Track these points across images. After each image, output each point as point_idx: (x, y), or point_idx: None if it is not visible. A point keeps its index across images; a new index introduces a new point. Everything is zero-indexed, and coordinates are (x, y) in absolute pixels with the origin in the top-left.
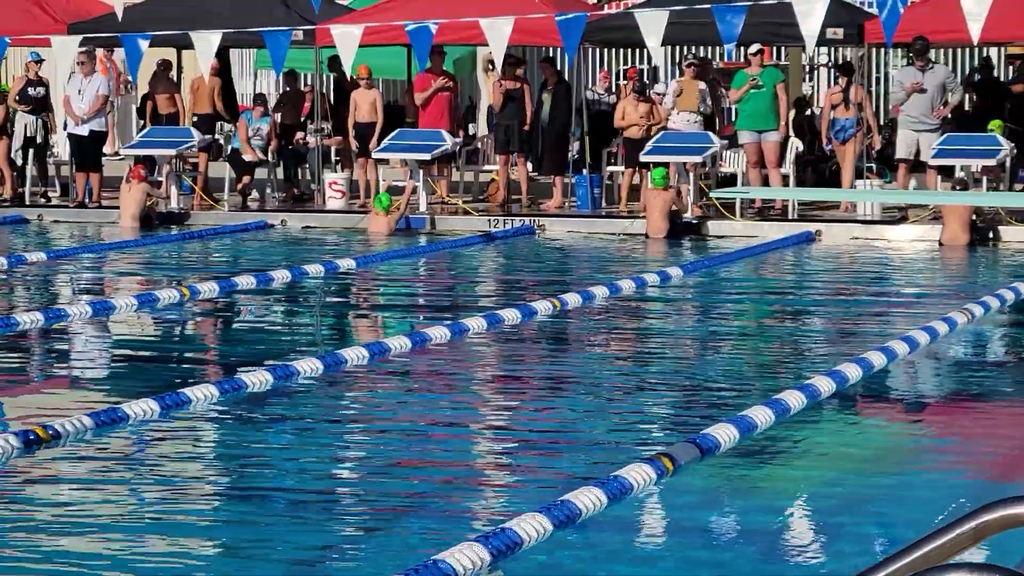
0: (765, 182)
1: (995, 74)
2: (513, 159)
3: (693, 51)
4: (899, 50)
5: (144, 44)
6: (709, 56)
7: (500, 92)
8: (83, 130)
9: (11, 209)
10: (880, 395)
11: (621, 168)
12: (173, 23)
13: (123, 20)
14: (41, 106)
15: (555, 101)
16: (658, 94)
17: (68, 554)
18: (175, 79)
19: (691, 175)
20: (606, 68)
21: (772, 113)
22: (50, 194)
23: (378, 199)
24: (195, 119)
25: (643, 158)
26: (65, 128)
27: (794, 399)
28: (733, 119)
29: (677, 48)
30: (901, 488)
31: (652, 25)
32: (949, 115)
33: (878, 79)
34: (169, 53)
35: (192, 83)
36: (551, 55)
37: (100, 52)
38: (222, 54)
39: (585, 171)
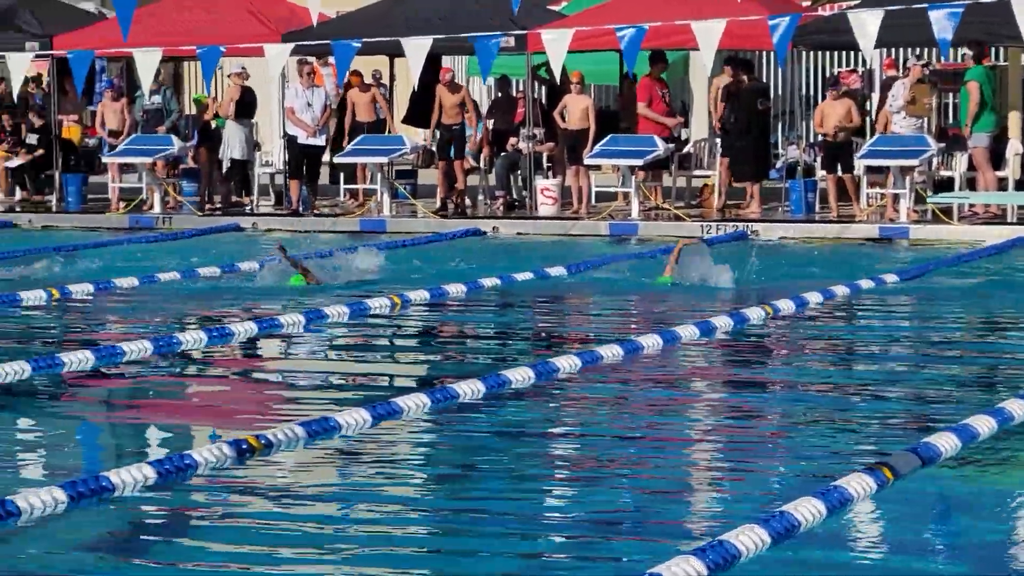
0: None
1: None
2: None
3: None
4: None
5: (354, 51)
6: (925, 58)
7: (715, 93)
8: (319, 140)
9: (224, 218)
10: None
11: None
12: (384, 30)
13: (333, 28)
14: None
15: (741, 103)
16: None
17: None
18: (387, 87)
19: (907, 179)
20: (817, 71)
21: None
22: (262, 202)
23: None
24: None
25: (858, 162)
26: (284, 136)
27: (1017, 408)
28: (951, 122)
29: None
30: None
31: (866, 27)
32: None
33: None
34: (380, 61)
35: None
36: (748, 58)
37: (315, 62)
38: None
39: (799, 175)
